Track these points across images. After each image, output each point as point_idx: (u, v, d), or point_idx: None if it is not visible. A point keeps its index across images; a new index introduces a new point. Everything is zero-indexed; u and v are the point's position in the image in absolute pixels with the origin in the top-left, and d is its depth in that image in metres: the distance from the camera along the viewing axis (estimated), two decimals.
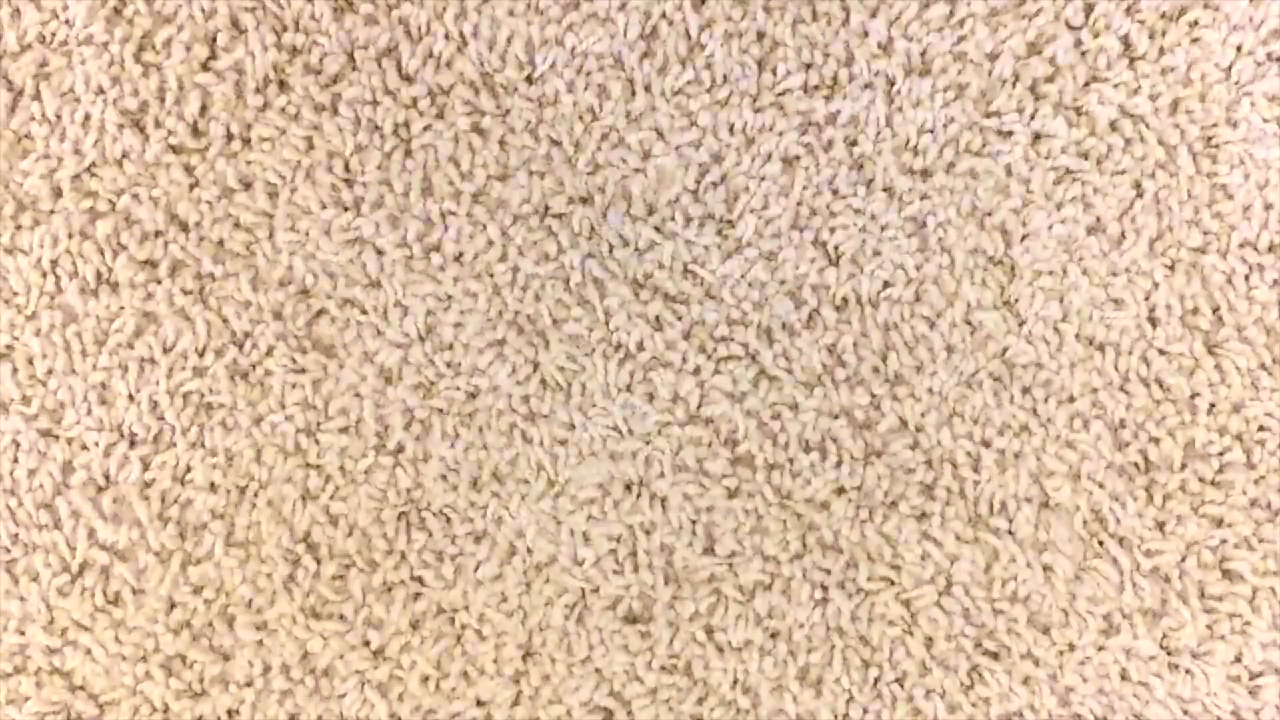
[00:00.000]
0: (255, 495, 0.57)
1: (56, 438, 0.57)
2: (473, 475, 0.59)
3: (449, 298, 0.58)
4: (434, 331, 0.58)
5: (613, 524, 0.59)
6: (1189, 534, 0.60)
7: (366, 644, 0.58)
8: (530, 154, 0.59)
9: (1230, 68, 0.59)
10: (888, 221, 0.59)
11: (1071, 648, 0.60)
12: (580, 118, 0.59)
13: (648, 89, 0.59)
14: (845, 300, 0.59)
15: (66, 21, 0.56)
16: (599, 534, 0.59)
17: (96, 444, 0.56)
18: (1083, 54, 0.58)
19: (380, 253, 0.58)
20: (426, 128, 0.58)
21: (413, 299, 0.58)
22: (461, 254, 0.58)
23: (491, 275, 0.58)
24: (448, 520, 0.59)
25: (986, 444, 0.59)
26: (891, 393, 0.59)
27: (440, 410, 0.58)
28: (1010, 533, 0.60)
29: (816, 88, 0.58)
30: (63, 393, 0.56)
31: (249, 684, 0.58)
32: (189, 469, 0.57)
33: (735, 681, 0.59)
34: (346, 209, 0.58)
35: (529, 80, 0.59)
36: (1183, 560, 0.60)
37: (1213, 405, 0.60)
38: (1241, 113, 0.59)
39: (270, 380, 0.57)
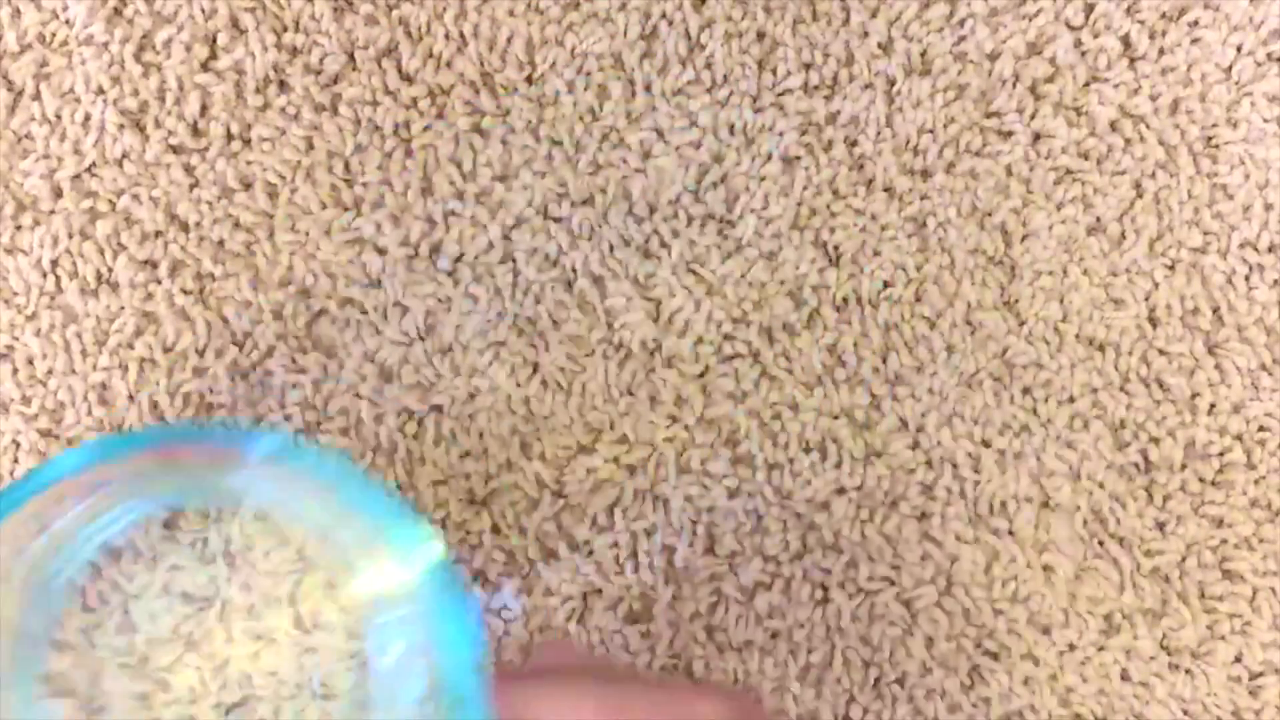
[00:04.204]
0: None
1: (56, 438, 0.57)
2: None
3: (449, 299, 0.58)
4: (434, 331, 0.58)
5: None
6: (1189, 534, 0.60)
7: None
8: (531, 154, 0.59)
9: (1230, 68, 0.59)
10: (888, 221, 0.59)
11: (1071, 648, 0.60)
12: (580, 118, 0.59)
13: (648, 89, 0.59)
14: (845, 300, 0.59)
15: (66, 21, 0.56)
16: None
17: None
18: (1083, 54, 0.59)
19: (381, 252, 0.58)
20: (426, 128, 0.58)
21: (413, 299, 0.58)
22: (462, 255, 0.58)
23: (493, 276, 0.58)
24: None
25: (986, 444, 0.59)
26: (891, 393, 0.59)
27: (439, 409, 0.58)
28: (1010, 533, 0.60)
29: (816, 88, 0.58)
30: (63, 393, 0.56)
31: None
32: None
33: (735, 681, 0.59)
34: (346, 209, 0.58)
35: (529, 80, 0.59)
36: (1183, 560, 0.60)
37: (1213, 405, 0.60)
38: (1241, 113, 0.59)
39: (270, 380, 0.57)
